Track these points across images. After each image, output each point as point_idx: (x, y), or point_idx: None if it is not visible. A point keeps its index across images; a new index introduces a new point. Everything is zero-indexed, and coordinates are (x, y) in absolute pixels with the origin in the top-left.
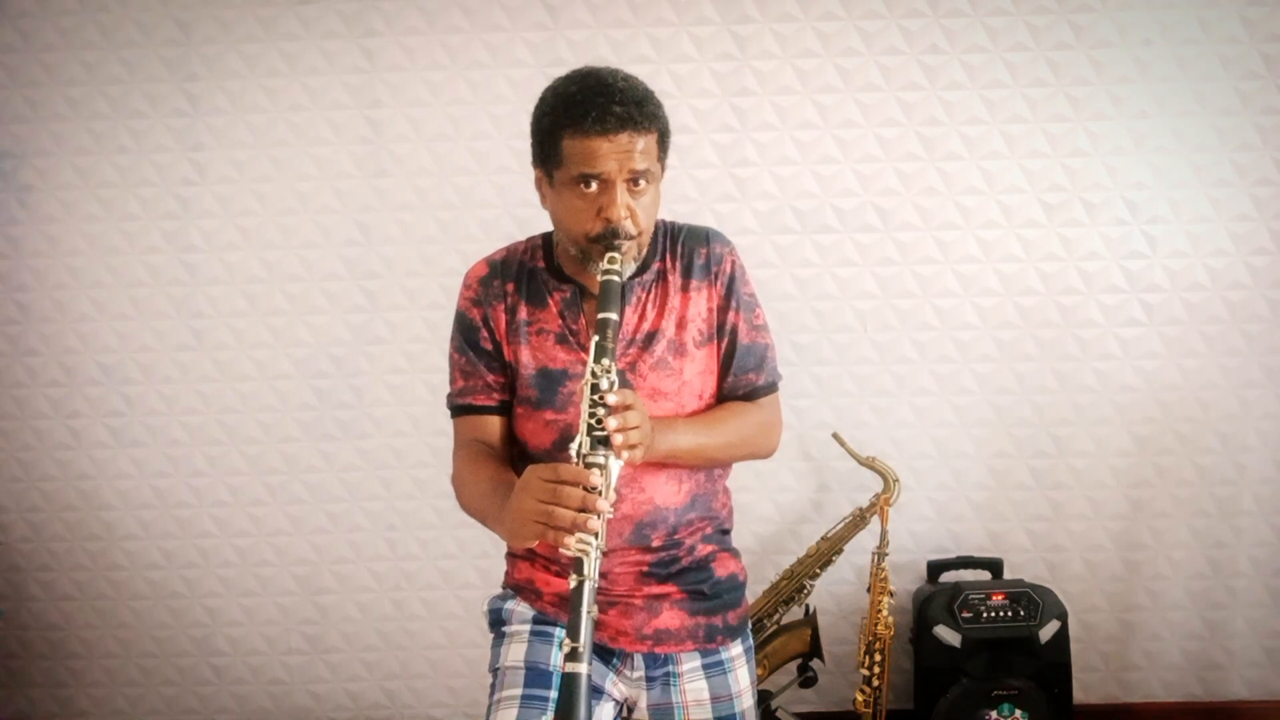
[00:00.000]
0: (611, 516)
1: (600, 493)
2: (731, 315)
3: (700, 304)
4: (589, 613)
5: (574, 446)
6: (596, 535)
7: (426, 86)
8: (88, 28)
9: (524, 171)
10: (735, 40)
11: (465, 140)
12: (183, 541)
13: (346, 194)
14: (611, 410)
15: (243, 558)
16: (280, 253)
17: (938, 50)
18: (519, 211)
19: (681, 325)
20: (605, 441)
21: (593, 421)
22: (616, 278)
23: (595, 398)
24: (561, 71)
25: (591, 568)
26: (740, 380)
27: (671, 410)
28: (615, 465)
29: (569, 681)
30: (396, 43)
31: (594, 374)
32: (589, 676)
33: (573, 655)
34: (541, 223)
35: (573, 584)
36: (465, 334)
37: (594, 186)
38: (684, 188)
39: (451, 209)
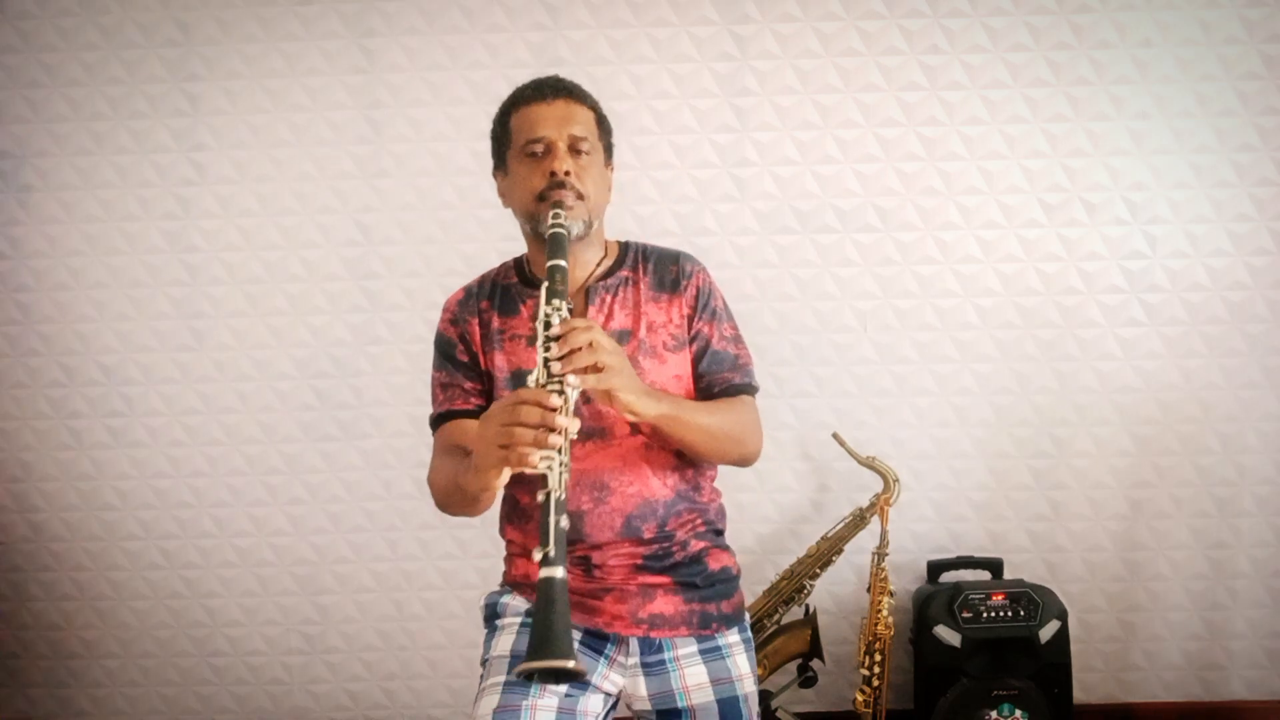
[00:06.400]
0: (575, 438)
1: (560, 411)
2: (701, 325)
3: (673, 313)
4: (557, 522)
5: (531, 380)
6: (560, 451)
7: (426, 86)
8: (88, 29)
9: None
10: (735, 40)
11: (465, 140)
12: (183, 541)
13: (346, 194)
14: (558, 338)
15: (243, 558)
16: (280, 253)
17: (938, 50)
18: None
19: (653, 330)
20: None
21: (547, 355)
22: (562, 229)
23: (548, 334)
24: (561, 71)
25: (557, 481)
26: (716, 378)
27: None
28: (572, 391)
29: (545, 586)
30: (396, 43)
31: (545, 314)
32: (565, 581)
33: (545, 561)
34: None
35: (540, 499)
36: (443, 350)
37: (539, 152)
38: (684, 188)
39: (451, 209)
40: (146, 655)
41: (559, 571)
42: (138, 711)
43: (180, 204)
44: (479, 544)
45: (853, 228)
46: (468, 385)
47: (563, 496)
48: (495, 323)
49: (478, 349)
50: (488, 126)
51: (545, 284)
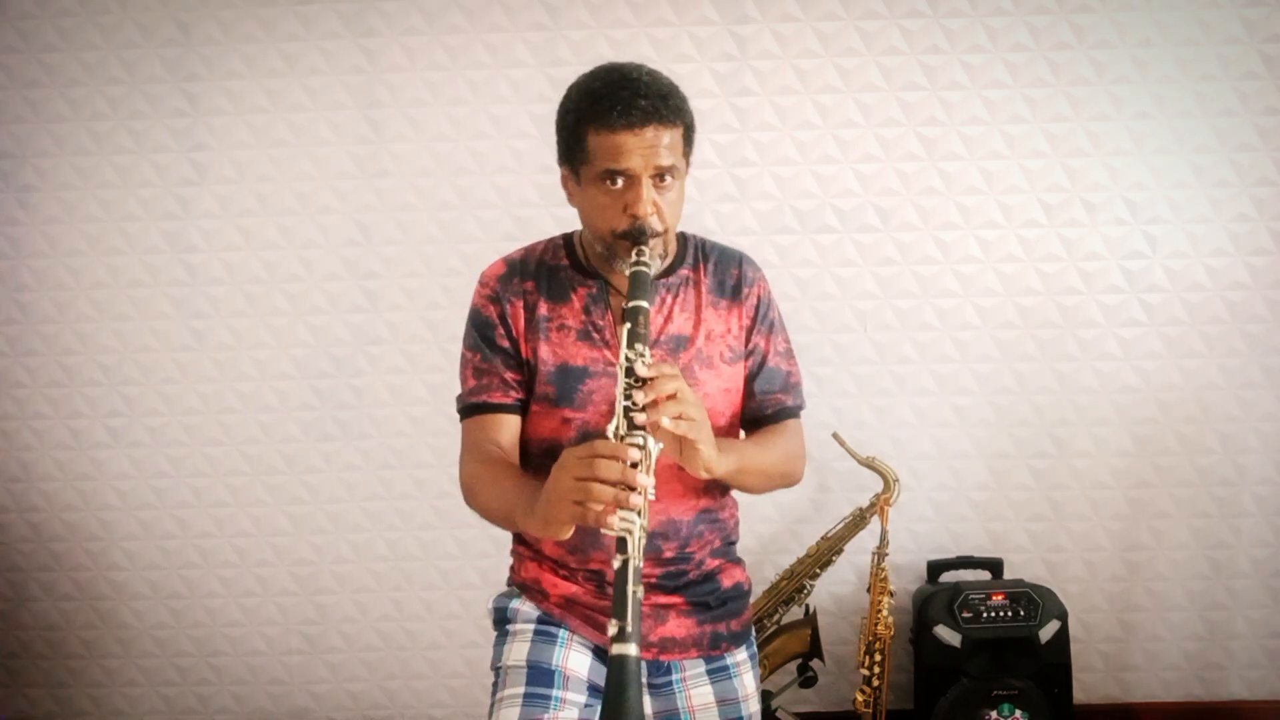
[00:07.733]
0: (653, 499)
1: (640, 468)
2: (759, 338)
3: (731, 322)
4: (634, 593)
5: (610, 429)
6: (639, 513)
7: (426, 86)
8: (88, 29)
9: (524, 171)
10: (735, 40)
11: (465, 140)
12: (183, 541)
13: (346, 194)
14: (644, 384)
15: (243, 558)
16: (280, 253)
17: (938, 50)
18: (519, 211)
19: (711, 339)
20: (643, 424)
21: (629, 404)
22: (645, 269)
23: (630, 380)
24: (561, 71)
25: (635, 547)
26: (768, 399)
27: None
28: (655, 447)
29: (618, 664)
30: (396, 43)
31: (628, 358)
32: (639, 659)
33: (620, 635)
34: (542, 224)
35: (616, 565)
36: (480, 330)
37: (620, 183)
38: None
39: (451, 209)
40: (146, 655)
41: (633, 649)
42: (138, 711)
43: (180, 204)
44: (479, 544)
45: (853, 228)
46: (508, 375)
47: (640, 564)
48: (542, 309)
49: (519, 335)
50: (488, 127)
51: (627, 326)
